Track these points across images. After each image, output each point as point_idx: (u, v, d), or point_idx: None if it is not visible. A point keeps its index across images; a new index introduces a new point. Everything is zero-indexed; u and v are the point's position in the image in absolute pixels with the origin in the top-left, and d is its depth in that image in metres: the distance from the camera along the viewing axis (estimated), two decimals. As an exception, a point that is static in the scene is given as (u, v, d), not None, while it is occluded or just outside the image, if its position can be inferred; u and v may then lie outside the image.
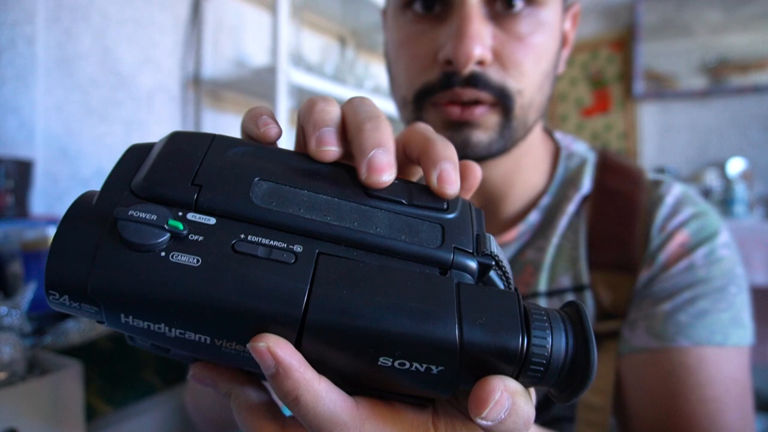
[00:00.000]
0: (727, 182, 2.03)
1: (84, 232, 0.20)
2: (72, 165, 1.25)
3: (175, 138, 0.25)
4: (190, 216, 0.21)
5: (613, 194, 0.52)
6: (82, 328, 0.74)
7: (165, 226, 0.20)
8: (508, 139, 0.46)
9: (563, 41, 0.50)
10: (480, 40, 0.41)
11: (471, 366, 0.20)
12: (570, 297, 0.49)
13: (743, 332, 0.46)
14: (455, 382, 0.21)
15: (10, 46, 1.12)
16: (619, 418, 0.50)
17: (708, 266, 0.47)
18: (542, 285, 0.50)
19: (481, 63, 0.42)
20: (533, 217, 0.53)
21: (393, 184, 0.24)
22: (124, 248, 0.20)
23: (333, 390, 0.21)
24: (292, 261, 0.20)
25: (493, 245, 0.24)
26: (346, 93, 1.61)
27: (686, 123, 2.37)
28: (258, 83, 1.48)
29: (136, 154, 0.24)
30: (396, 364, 0.20)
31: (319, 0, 1.78)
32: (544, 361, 0.20)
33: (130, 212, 0.20)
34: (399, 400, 0.23)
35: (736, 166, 2.17)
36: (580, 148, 0.57)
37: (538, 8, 0.43)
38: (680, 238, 0.49)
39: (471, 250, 0.23)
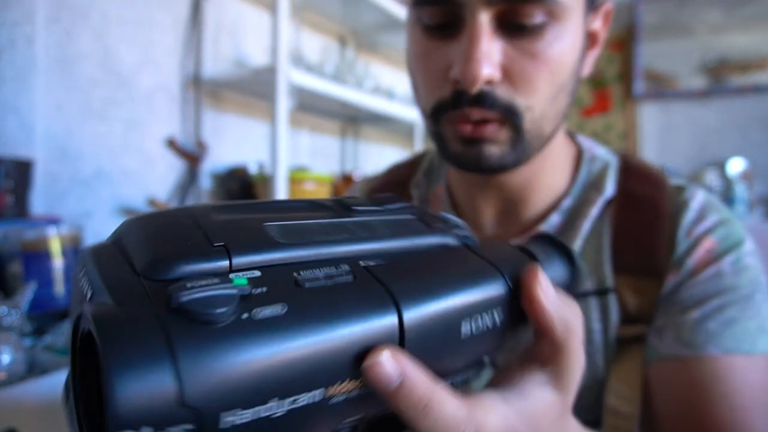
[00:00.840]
0: (727, 182, 2.03)
1: (139, 338, 0.16)
2: (72, 165, 1.25)
3: (142, 220, 0.22)
4: (233, 276, 0.19)
5: (637, 198, 0.52)
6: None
7: (232, 287, 0.17)
8: (521, 152, 0.46)
9: (591, 42, 0.49)
10: (488, 61, 0.41)
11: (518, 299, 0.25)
12: (593, 301, 0.50)
13: None
14: (515, 322, 0.25)
15: (10, 46, 1.12)
16: (645, 425, 0.50)
17: (735, 274, 0.48)
18: None
19: (489, 82, 0.42)
20: (554, 219, 0.53)
21: (354, 198, 0.27)
22: (203, 327, 0.16)
23: (448, 388, 0.21)
24: (352, 279, 0.20)
25: (452, 218, 0.28)
26: (346, 93, 1.61)
27: (686, 123, 2.37)
28: (258, 83, 1.48)
29: (99, 255, 0.20)
30: (473, 327, 0.23)
31: (319, 0, 1.78)
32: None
33: (188, 285, 0.17)
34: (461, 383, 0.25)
35: (736, 166, 2.17)
36: (601, 152, 0.57)
37: (555, 22, 0.42)
38: (707, 244, 0.49)
39: (445, 228, 0.27)
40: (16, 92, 1.13)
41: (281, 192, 1.37)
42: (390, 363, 0.19)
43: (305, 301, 0.18)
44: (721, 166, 2.22)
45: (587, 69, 0.50)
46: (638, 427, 0.49)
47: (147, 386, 0.15)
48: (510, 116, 0.44)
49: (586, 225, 0.52)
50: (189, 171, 1.53)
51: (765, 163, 2.17)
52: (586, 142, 0.58)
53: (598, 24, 0.49)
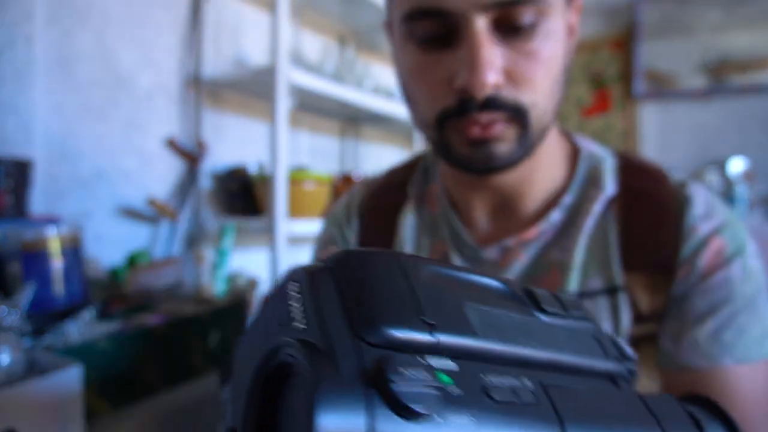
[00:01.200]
0: (728, 182, 2.03)
1: (346, 408, 0.16)
2: (71, 165, 1.24)
3: (360, 261, 0.22)
4: (433, 362, 0.19)
5: (641, 195, 0.52)
6: (82, 328, 0.74)
7: (437, 385, 0.17)
8: (527, 147, 0.47)
9: (570, 33, 0.51)
10: (492, 66, 0.42)
11: None
12: (603, 299, 0.50)
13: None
14: None
15: (9, 46, 1.12)
16: None
17: (743, 281, 0.49)
18: (573, 286, 0.50)
19: (495, 86, 0.43)
20: (555, 215, 0.53)
21: (542, 293, 0.26)
22: (402, 420, 0.16)
23: None
24: (533, 401, 0.20)
25: (626, 348, 0.27)
26: (346, 93, 1.60)
27: (687, 123, 2.37)
28: (258, 83, 1.48)
29: (317, 286, 0.21)
30: None
31: (319, 0, 1.78)
32: None
33: (400, 371, 0.17)
34: None
35: (736, 165, 2.17)
36: (598, 149, 0.58)
37: (544, 19, 0.44)
38: (716, 245, 0.49)
39: (619, 357, 0.26)
40: (15, 92, 1.13)
41: (281, 192, 1.37)
42: None
43: (491, 416, 0.18)
44: (721, 166, 2.21)
45: (569, 59, 0.51)
46: None
47: None
48: (517, 115, 0.45)
49: (589, 222, 0.52)
50: (189, 171, 1.53)
51: (765, 163, 2.17)
52: (583, 141, 0.59)
53: (573, 17, 0.51)
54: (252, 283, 1.52)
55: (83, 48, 1.26)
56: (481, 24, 0.42)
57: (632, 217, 0.51)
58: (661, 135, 2.43)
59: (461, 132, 0.46)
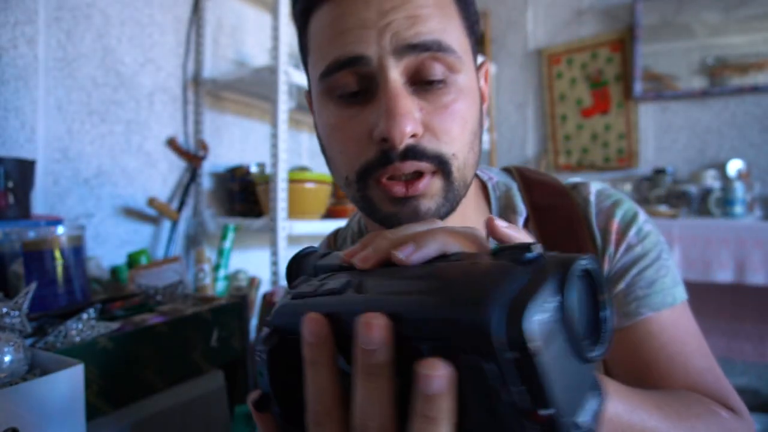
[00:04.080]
0: (727, 182, 2.03)
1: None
2: (72, 165, 1.25)
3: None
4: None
5: (548, 210, 0.57)
6: (82, 328, 0.75)
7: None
8: (453, 201, 0.48)
9: (482, 98, 0.53)
10: (410, 116, 0.43)
11: None
12: None
13: (682, 288, 0.54)
14: None
15: (11, 46, 1.12)
16: None
17: (641, 242, 0.54)
18: None
19: (413, 136, 0.44)
20: None
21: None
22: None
23: None
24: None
25: None
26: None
27: (685, 123, 2.37)
28: (258, 83, 1.48)
29: None
30: None
31: (319, 0, 1.78)
32: None
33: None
34: None
35: (734, 166, 2.17)
36: (498, 175, 0.61)
37: (455, 75, 0.45)
38: (614, 226, 0.55)
39: None
40: (17, 92, 1.13)
41: (281, 192, 1.37)
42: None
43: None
44: (720, 167, 2.22)
45: (484, 121, 0.54)
46: None
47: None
48: (441, 165, 0.45)
49: None
50: (189, 171, 1.54)
51: (764, 164, 2.17)
52: (484, 174, 0.61)
53: (482, 82, 0.54)
54: (254, 282, 1.52)
55: (84, 48, 1.26)
56: (396, 75, 0.43)
57: (546, 232, 0.55)
58: (660, 135, 2.43)
59: (384, 189, 0.46)
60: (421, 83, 0.45)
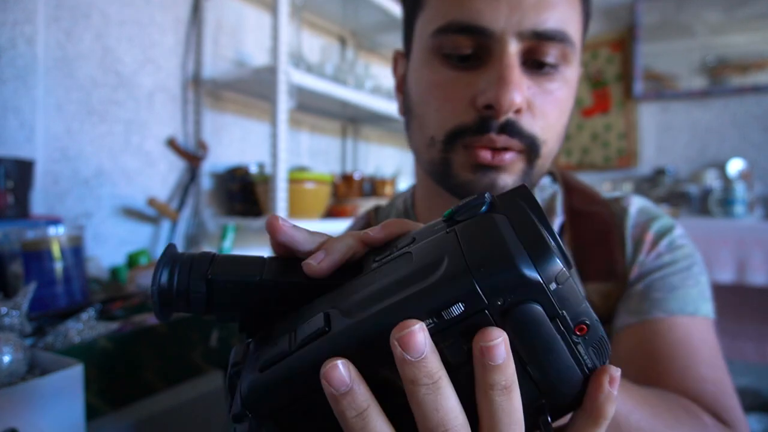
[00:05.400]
0: (727, 182, 2.03)
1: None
2: (72, 165, 1.25)
3: None
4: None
5: (584, 215, 0.57)
6: (82, 328, 0.74)
7: None
8: (528, 184, 0.49)
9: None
10: (521, 88, 0.43)
11: None
12: None
13: (710, 306, 0.52)
14: None
15: (11, 46, 1.12)
16: None
17: (671, 252, 0.54)
18: None
19: (517, 111, 0.44)
20: None
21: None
22: None
23: None
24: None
25: None
26: (346, 93, 1.61)
27: (686, 123, 2.37)
28: (258, 83, 1.48)
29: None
30: None
31: (319, 0, 1.78)
32: None
33: None
34: None
35: (735, 166, 2.17)
36: (545, 180, 0.62)
37: (566, 66, 0.46)
38: (648, 237, 0.55)
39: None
40: (16, 92, 1.13)
41: (281, 192, 1.37)
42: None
43: None
44: (720, 166, 2.22)
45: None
46: None
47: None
48: (531, 147, 0.46)
49: None
50: (189, 171, 1.53)
51: (764, 163, 2.17)
52: None
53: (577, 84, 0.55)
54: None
55: (84, 48, 1.26)
56: (514, 49, 0.44)
57: (581, 236, 0.56)
58: (661, 135, 2.43)
59: (470, 153, 0.46)
60: (533, 64, 0.45)
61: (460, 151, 0.47)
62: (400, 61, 0.57)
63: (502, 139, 0.45)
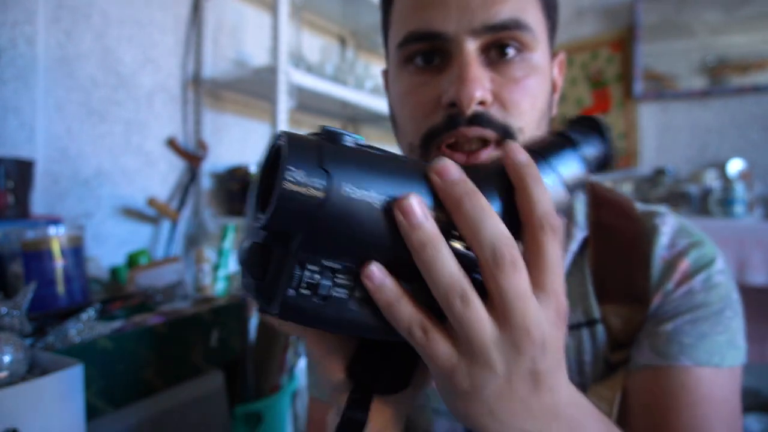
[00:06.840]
0: (727, 182, 2.03)
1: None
2: (72, 165, 1.25)
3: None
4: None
5: (610, 230, 0.55)
6: (82, 328, 0.75)
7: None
8: None
9: (553, 87, 0.53)
10: (480, 83, 0.44)
11: None
12: (585, 331, 0.52)
13: (737, 354, 0.51)
14: None
15: (11, 46, 1.12)
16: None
17: (706, 291, 0.51)
18: None
19: (482, 103, 0.45)
20: None
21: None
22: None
23: None
24: None
25: None
26: (346, 93, 1.61)
27: (686, 123, 2.37)
28: (258, 83, 1.48)
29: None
30: None
31: (319, 0, 1.78)
32: None
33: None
34: None
35: (735, 166, 2.17)
36: None
37: (529, 53, 0.47)
38: (683, 266, 0.52)
39: None
40: (16, 92, 1.13)
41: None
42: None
43: None
44: (720, 167, 2.22)
45: (554, 109, 0.54)
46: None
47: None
48: (507, 136, 0.46)
49: (567, 260, 0.54)
50: (189, 171, 1.54)
51: (764, 164, 2.17)
52: None
53: (556, 71, 0.54)
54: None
55: (84, 48, 1.26)
56: (471, 47, 0.45)
57: (603, 252, 0.54)
58: (661, 135, 2.43)
59: (445, 154, 0.46)
60: (495, 57, 0.46)
61: (434, 153, 0.47)
62: (385, 80, 0.60)
63: (473, 131, 0.45)
